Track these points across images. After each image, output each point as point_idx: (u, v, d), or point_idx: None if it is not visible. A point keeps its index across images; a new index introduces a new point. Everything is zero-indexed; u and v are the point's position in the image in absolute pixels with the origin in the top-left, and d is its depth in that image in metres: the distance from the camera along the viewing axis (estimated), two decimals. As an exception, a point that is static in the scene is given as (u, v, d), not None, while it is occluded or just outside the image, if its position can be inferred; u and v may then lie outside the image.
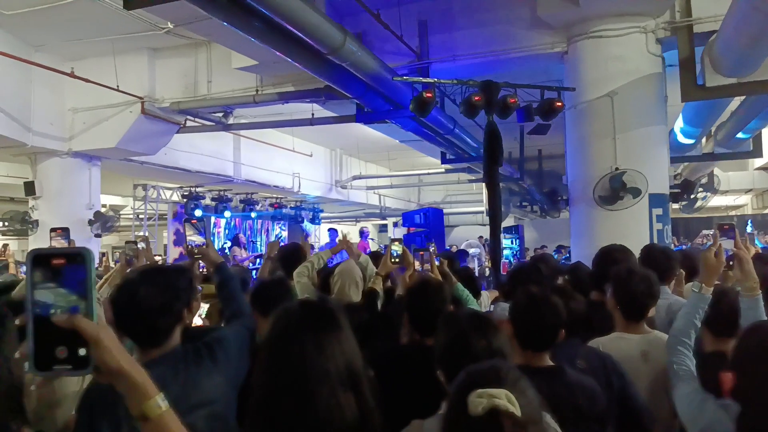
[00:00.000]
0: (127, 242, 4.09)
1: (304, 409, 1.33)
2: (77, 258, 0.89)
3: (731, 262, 2.29)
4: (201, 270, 4.69)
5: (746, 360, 1.77)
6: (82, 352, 0.87)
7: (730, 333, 2.24)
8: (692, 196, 13.74)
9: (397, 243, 3.42)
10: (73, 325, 0.86)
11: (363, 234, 13.17)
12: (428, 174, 17.53)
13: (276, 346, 1.44)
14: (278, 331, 1.47)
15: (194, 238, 2.69)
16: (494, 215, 5.99)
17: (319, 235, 17.86)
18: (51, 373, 0.89)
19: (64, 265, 0.88)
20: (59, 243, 3.48)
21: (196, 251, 2.52)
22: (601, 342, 2.59)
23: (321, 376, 1.36)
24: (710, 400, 1.93)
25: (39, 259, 0.88)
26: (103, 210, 10.42)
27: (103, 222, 9.86)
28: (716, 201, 18.07)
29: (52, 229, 3.55)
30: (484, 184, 6.16)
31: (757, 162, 15.49)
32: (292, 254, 4.09)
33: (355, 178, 17.63)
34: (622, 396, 2.23)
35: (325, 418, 1.33)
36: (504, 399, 1.16)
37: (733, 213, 21.88)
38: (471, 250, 13.71)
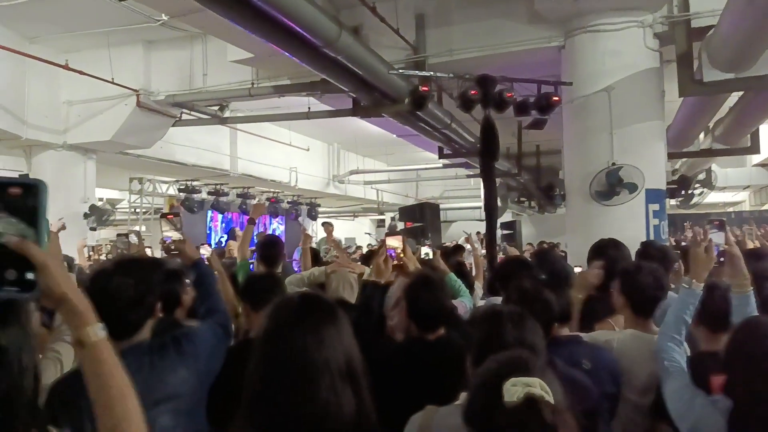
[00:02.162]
0: (118, 235, 4.08)
1: (302, 402, 1.30)
2: (32, 189, 0.93)
3: (722, 258, 2.27)
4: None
5: (737, 356, 1.77)
6: (29, 276, 0.92)
7: (723, 329, 2.22)
8: (689, 192, 13.71)
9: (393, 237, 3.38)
10: (22, 248, 0.90)
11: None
12: (426, 169, 17.47)
13: (275, 337, 1.42)
14: (277, 322, 1.45)
15: (170, 233, 2.65)
16: (490, 210, 5.94)
17: (316, 230, 17.81)
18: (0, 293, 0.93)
19: (18, 196, 0.92)
20: None
21: (172, 247, 2.48)
22: (617, 338, 2.45)
23: (320, 369, 1.34)
24: (700, 395, 1.93)
25: None
26: (99, 204, 10.37)
27: (99, 215, 9.83)
28: (714, 197, 18.05)
29: None
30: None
31: (755, 158, 15.48)
32: (271, 247, 4.06)
33: (352, 173, 17.58)
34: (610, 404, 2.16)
35: (322, 413, 1.31)
36: (538, 387, 1.16)
37: (730, 209, 21.87)
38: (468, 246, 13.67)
